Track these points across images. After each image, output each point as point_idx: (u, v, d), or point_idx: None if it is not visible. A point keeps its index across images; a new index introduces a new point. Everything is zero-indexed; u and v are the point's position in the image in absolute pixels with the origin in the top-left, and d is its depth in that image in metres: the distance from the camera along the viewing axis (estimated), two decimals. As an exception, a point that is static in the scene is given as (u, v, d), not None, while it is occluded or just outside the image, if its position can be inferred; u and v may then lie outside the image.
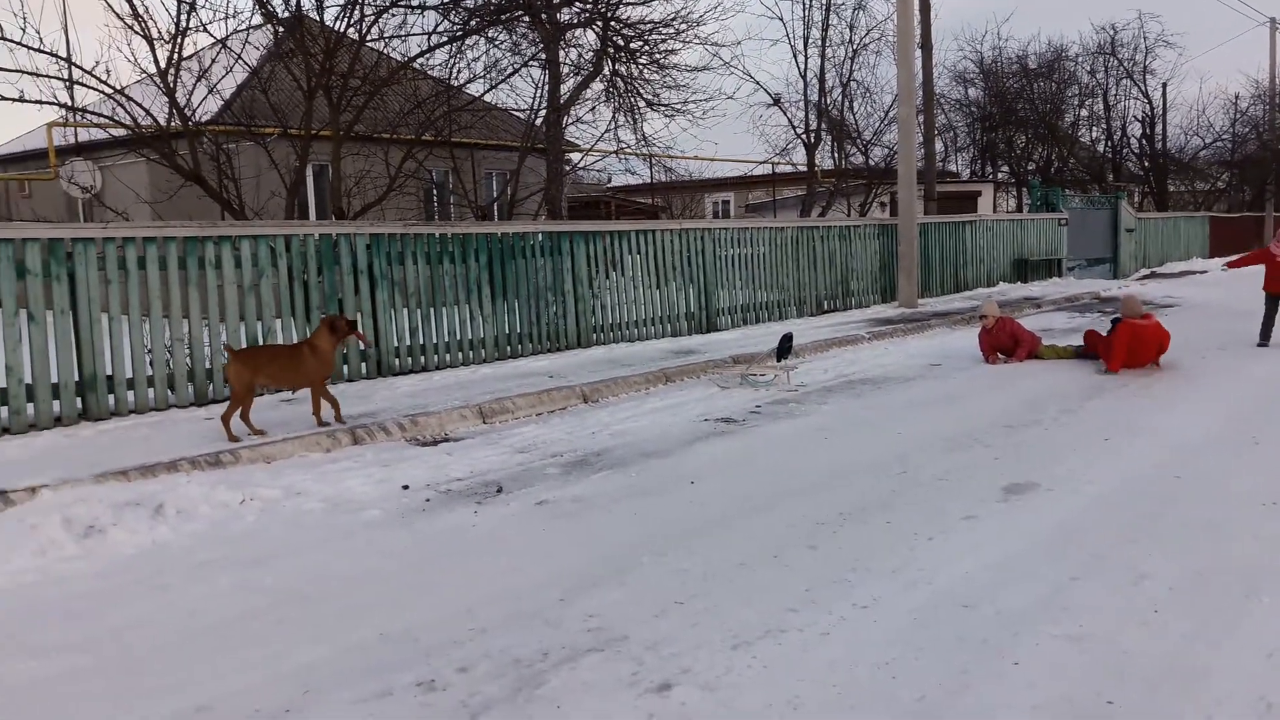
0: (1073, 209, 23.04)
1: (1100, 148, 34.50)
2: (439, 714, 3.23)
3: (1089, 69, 33.18)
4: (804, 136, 22.87)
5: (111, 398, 7.84)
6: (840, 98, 23.01)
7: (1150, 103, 33.09)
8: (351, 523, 5.39)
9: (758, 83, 22.58)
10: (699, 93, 17.52)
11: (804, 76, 22.29)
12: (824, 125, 22.91)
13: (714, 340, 12.50)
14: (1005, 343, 10.79)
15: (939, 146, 29.09)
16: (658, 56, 16.53)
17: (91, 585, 4.50)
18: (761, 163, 25.42)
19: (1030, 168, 33.10)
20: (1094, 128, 34.34)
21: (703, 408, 8.49)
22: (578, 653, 3.65)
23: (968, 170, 34.33)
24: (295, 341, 8.60)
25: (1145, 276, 24.10)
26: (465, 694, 3.36)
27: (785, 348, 9.94)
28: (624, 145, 18.04)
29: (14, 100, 10.29)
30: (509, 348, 11.00)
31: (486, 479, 6.25)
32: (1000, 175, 34.18)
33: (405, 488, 6.04)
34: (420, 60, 13.69)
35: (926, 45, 20.19)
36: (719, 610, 4.00)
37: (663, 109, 17.03)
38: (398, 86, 13.30)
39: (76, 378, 7.64)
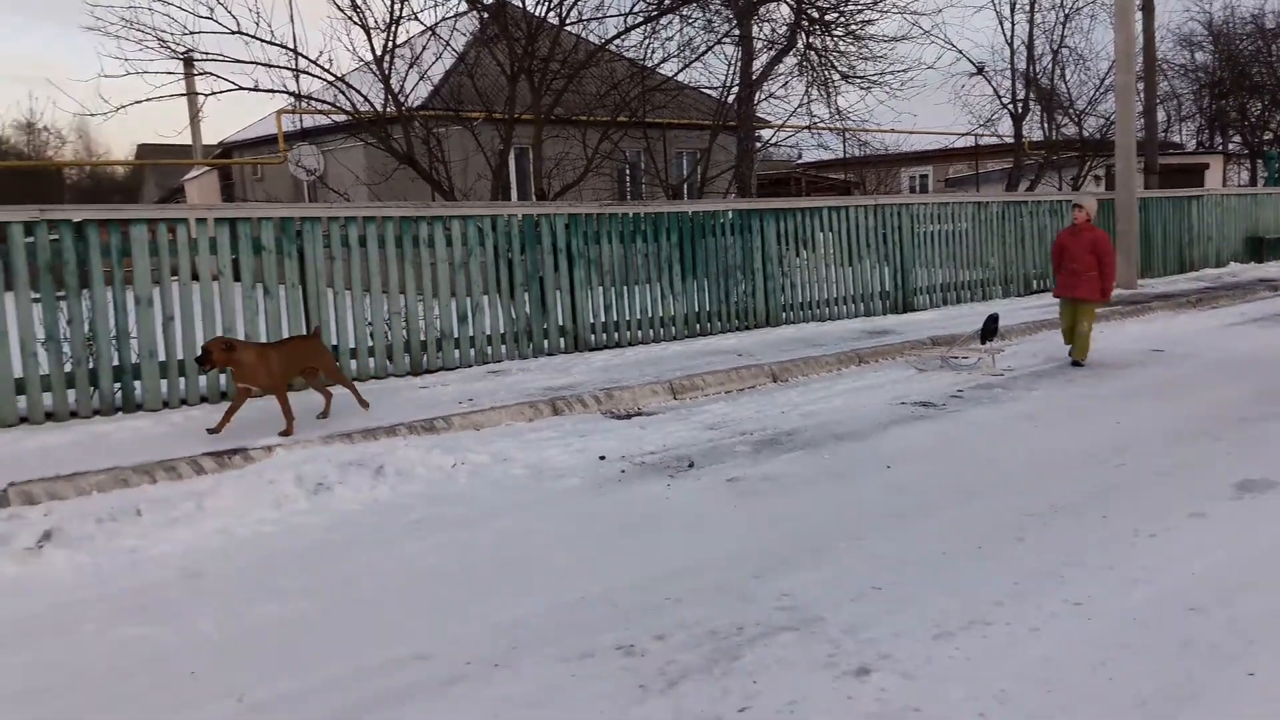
0: (1319, 181, 20.80)
1: (1355, 113, 30.93)
2: (639, 678, 3.33)
3: (1342, 25, 29.75)
4: (1010, 107, 21.73)
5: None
6: (1050, 65, 21.67)
7: None
8: (553, 489, 5.61)
9: (960, 51, 21.63)
10: (896, 63, 16.99)
11: (1010, 44, 21.18)
12: (1032, 94, 21.66)
13: (910, 320, 12.12)
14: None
15: (1161, 116, 26.93)
16: (853, 27, 16.13)
17: (321, 537, 4.90)
18: (963, 135, 24.33)
19: (1266, 138, 30.10)
20: (1346, 91, 30.80)
21: (899, 390, 8.26)
22: (772, 630, 3.66)
23: (1193, 141, 31.62)
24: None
25: None
26: (663, 661, 3.44)
27: (990, 329, 9.49)
28: (816, 120, 17.70)
29: (250, 89, 11.27)
30: (698, 325, 11.07)
31: (678, 453, 6.34)
32: (1231, 146, 31.28)
33: (602, 458, 6.22)
34: (616, 42, 13.91)
35: (1148, 6, 18.66)
36: (918, 598, 3.90)
37: (858, 81, 16.61)
38: (594, 69, 13.57)
39: (306, 347, 8.27)
